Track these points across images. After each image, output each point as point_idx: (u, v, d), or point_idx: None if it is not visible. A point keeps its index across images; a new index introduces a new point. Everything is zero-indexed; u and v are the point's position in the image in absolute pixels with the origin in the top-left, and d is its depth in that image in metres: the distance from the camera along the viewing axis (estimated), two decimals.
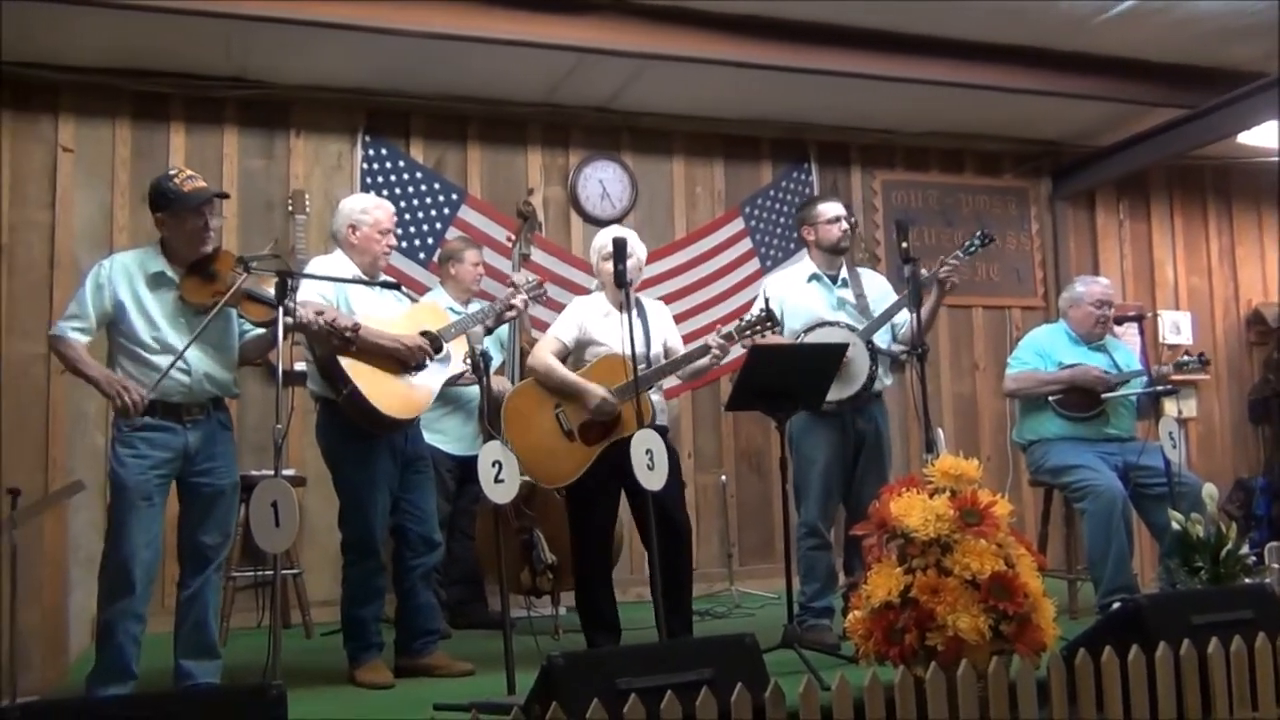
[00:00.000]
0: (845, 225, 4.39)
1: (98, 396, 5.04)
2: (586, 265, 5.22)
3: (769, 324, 3.98)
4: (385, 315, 3.88)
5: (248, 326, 3.70)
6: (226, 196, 3.78)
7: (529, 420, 3.94)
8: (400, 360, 3.77)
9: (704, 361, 4.01)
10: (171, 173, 3.66)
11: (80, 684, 3.54)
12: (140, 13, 4.54)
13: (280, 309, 3.29)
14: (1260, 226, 7.56)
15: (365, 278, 3.89)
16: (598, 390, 3.93)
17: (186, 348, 3.44)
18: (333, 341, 3.59)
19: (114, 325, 3.50)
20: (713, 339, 3.97)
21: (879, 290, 4.47)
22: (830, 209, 4.45)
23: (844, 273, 4.45)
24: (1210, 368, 5.07)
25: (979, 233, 4.42)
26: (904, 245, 4.00)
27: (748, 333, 3.98)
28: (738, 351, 5.23)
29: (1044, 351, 4.82)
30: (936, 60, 5.54)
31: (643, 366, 3.86)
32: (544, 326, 4.75)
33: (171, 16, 4.60)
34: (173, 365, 3.41)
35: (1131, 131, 6.48)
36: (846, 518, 4.38)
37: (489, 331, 4.24)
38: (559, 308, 4.52)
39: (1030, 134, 6.84)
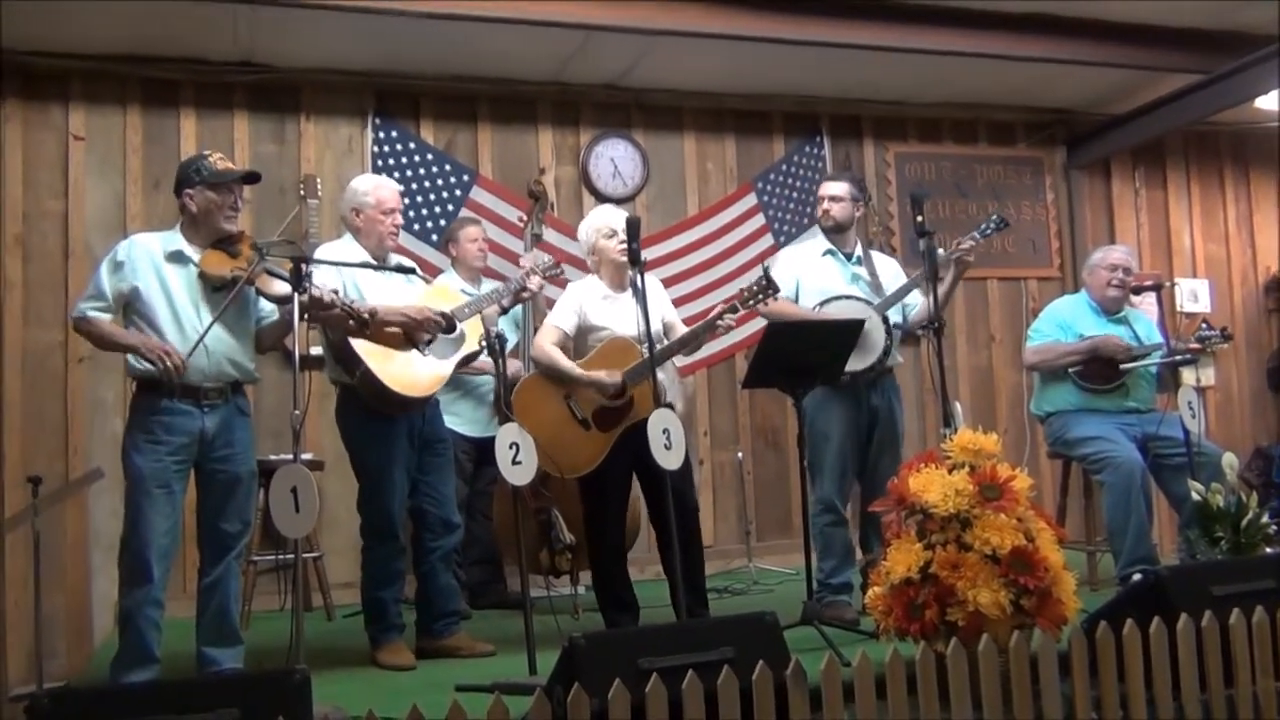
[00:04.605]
0: (825, 206, 4.41)
1: (116, 383, 5.14)
2: None
3: (770, 290, 3.95)
4: (397, 299, 3.88)
5: (265, 311, 3.70)
6: (259, 179, 3.78)
7: (541, 412, 3.90)
8: (411, 335, 3.77)
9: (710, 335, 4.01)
10: (205, 153, 3.69)
11: (105, 669, 3.57)
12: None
13: (295, 293, 3.29)
14: (1278, 192, 7.49)
15: (374, 262, 3.88)
16: (603, 376, 3.91)
17: (214, 321, 3.45)
18: (349, 324, 3.59)
19: (130, 306, 3.50)
20: (718, 312, 3.95)
21: (891, 273, 4.49)
22: (824, 188, 4.48)
23: (858, 251, 4.46)
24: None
25: (994, 216, 4.47)
26: (919, 219, 3.98)
27: (750, 301, 3.96)
28: (747, 331, 5.24)
29: (1065, 323, 4.79)
30: (947, 30, 5.49)
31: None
32: None
33: (179, 2, 4.59)
34: (204, 334, 3.42)
35: (1146, 98, 6.41)
36: (861, 494, 4.38)
37: (504, 311, 4.24)
38: None
39: (1044, 103, 6.78)
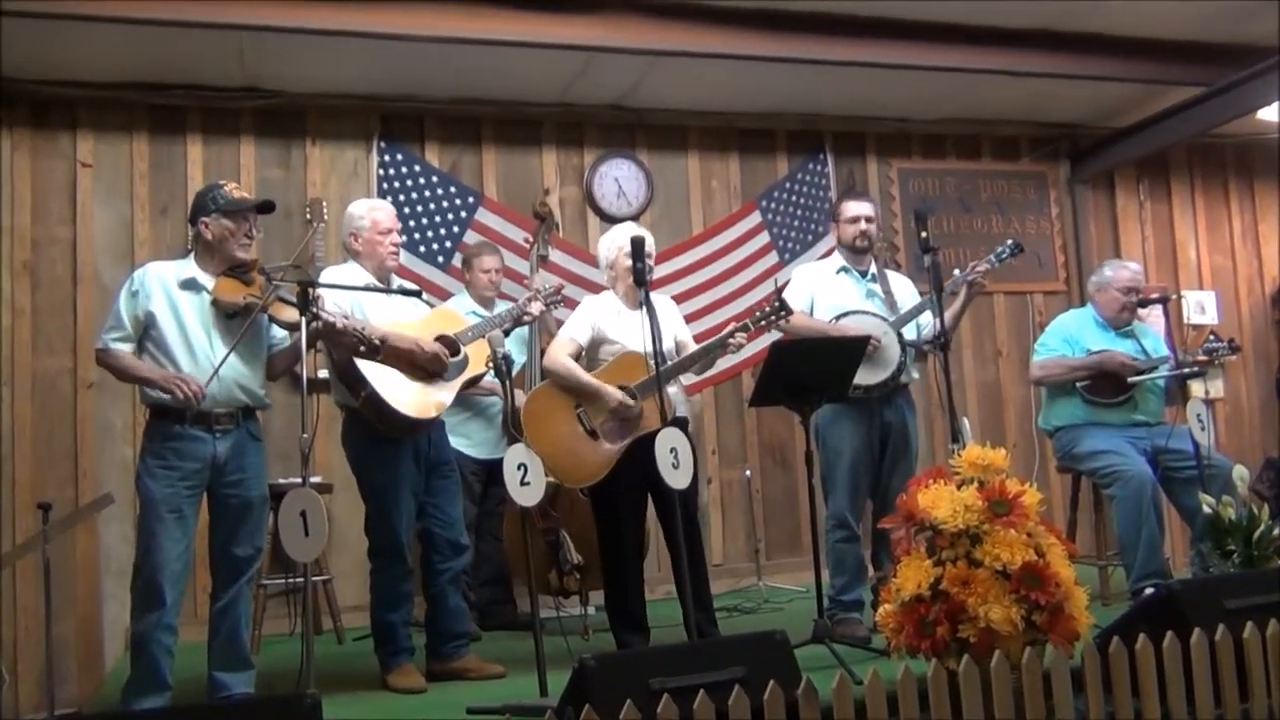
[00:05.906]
0: (864, 226, 4.40)
1: (125, 408, 5.16)
2: None
3: (783, 313, 3.97)
4: (402, 322, 3.89)
5: (276, 339, 3.73)
6: (273, 208, 3.82)
7: (550, 421, 3.92)
8: (416, 364, 3.79)
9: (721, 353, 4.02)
10: (221, 183, 3.74)
11: (116, 695, 3.57)
12: (153, 26, 4.57)
13: (304, 317, 3.31)
14: None
15: (379, 284, 3.90)
16: (615, 393, 3.92)
17: (231, 350, 3.47)
18: (359, 349, 3.61)
19: (145, 334, 3.54)
20: (730, 330, 3.96)
21: (906, 292, 4.50)
22: (852, 208, 4.48)
23: (873, 269, 4.47)
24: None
25: (1010, 242, 4.53)
26: (923, 235, 4.00)
27: (763, 322, 3.98)
28: (754, 349, 5.24)
29: (1071, 338, 4.79)
30: (949, 46, 5.51)
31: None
32: None
33: (184, 29, 4.62)
34: (222, 363, 3.45)
35: (1149, 111, 6.42)
36: (874, 510, 4.37)
37: (506, 333, 4.25)
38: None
39: (1047, 117, 6.79)
